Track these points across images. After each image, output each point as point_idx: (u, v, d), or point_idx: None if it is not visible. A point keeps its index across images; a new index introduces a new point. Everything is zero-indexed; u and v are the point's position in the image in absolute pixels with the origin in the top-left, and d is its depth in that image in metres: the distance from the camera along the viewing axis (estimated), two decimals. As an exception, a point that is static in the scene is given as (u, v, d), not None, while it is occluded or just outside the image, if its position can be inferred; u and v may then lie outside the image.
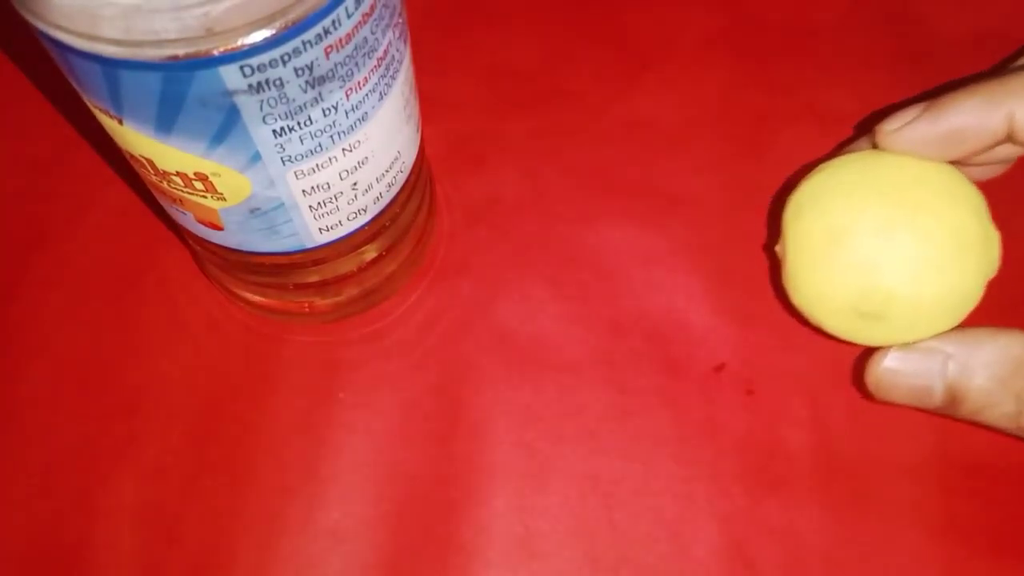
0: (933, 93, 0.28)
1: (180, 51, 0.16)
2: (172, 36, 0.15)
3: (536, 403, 0.27)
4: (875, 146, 0.24)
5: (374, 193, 0.23)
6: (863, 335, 0.23)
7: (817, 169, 0.24)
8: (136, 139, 0.19)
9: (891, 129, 0.22)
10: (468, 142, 0.31)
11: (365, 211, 0.23)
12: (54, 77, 0.32)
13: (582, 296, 0.28)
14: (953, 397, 0.22)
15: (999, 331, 0.22)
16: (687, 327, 0.28)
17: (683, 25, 0.34)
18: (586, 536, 0.25)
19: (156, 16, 0.15)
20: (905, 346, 0.23)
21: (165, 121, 0.18)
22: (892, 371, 0.23)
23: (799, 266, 0.23)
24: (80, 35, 0.16)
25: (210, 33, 0.16)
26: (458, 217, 0.30)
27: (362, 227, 0.24)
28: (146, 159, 0.20)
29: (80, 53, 0.16)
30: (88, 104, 0.19)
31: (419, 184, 0.26)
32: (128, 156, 0.21)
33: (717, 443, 0.26)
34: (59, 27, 0.16)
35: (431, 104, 0.32)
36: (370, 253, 0.25)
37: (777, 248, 0.24)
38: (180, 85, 0.17)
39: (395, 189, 0.24)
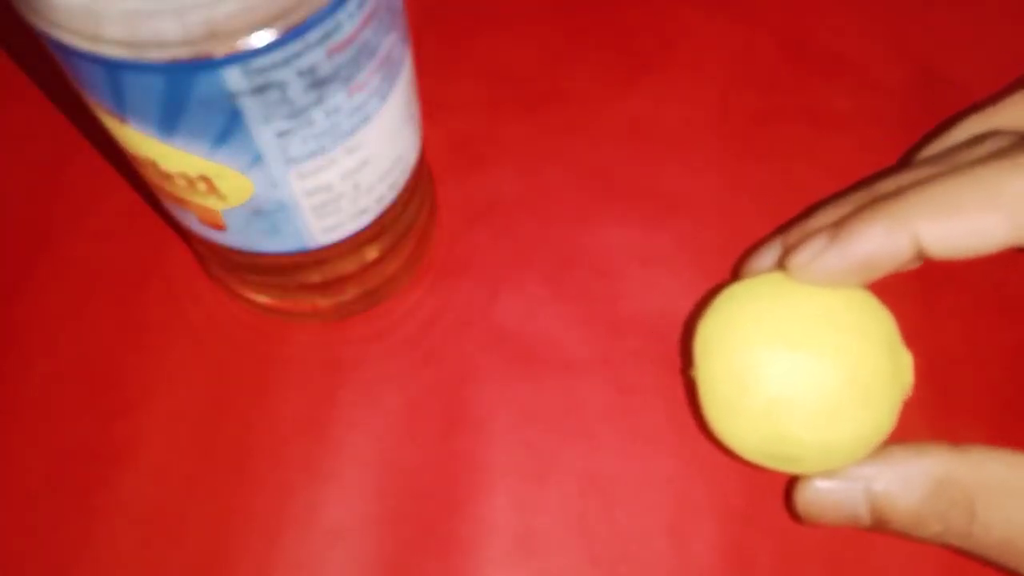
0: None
1: (183, 53, 0.16)
2: (175, 38, 0.16)
3: (536, 402, 0.27)
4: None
5: (376, 194, 0.23)
6: (782, 469, 0.23)
7: (724, 296, 0.24)
8: (139, 140, 0.19)
9: (801, 263, 0.22)
10: (469, 143, 0.31)
11: (367, 211, 0.23)
12: (57, 78, 0.33)
13: (582, 296, 0.28)
14: (879, 521, 0.23)
15: (919, 451, 0.22)
16: (686, 327, 0.28)
17: (682, 27, 0.34)
18: (586, 534, 0.25)
19: (159, 18, 0.15)
20: (828, 473, 0.23)
21: (168, 122, 0.18)
22: (817, 501, 0.23)
23: (710, 406, 0.23)
24: (83, 37, 0.16)
25: (213, 35, 0.16)
26: (458, 217, 0.30)
27: (364, 227, 0.24)
28: (149, 160, 0.20)
29: (83, 55, 0.16)
30: (91, 105, 0.19)
31: (420, 184, 0.26)
32: (131, 157, 0.21)
33: (716, 442, 0.26)
34: (61, 29, 0.16)
35: (432, 105, 0.32)
36: (372, 253, 0.25)
37: (692, 372, 0.24)
38: (183, 87, 0.17)
39: (397, 189, 0.24)
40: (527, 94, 0.33)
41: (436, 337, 0.28)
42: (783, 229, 0.26)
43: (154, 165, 0.20)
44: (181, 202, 0.22)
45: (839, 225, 0.22)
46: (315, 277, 0.25)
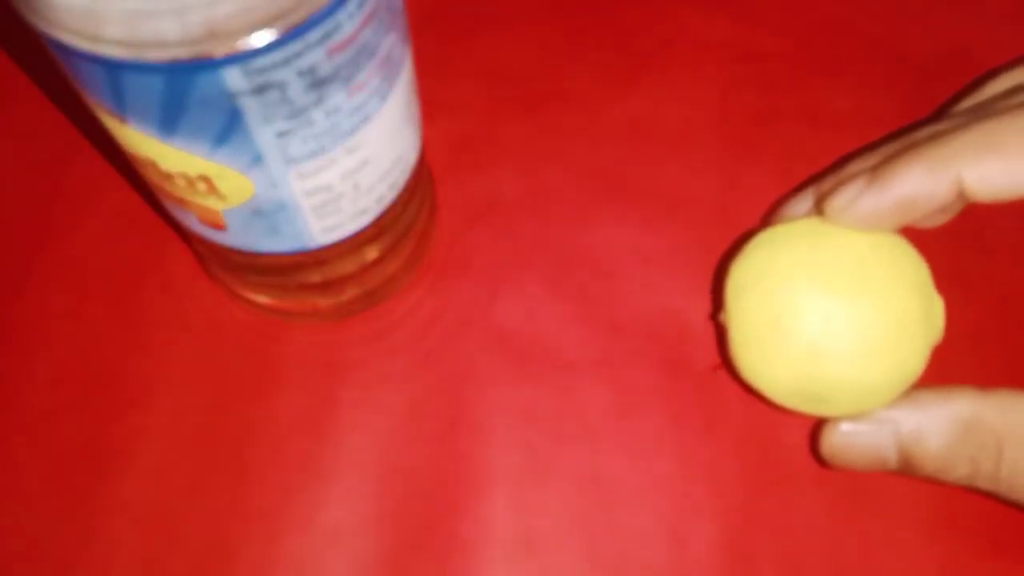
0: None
1: (183, 53, 0.16)
2: (175, 38, 0.16)
3: (536, 402, 0.27)
4: (819, 211, 0.24)
5: (376, 194, 0.23)
6: (810, 411, 0.23)
7: (758, 241, 0.24)
8: (139, 140, 0.19)
9: (839, 206, 0.22)
10: (469, 143, 0.31)
11: (367, 212, 0.23)
12: (57, 78, 0.33)
13: (582, 296, 0.28)
14: (908, 463, 0.23)
15: (948, 394, 0.22)
16: (686, 327, 0.28)
17: (682, 26, 0.34)
18: (586, 534, 0.25)
19: (159, 18, 0.15)
20: (856, 416, 0.23)
21: (168, 122, 0.18)
22: (845, 443, 0.23)
23: (742, 346, 0.23)
24: (83, 37, 0.16)
25: (212, 35, 0.16)
26: (458, 217, 0.30)
27: (364, 227, 0.24)
28: (149, 160, 0.20)
29: (83, 55, 0.16)
30: (91, 105, 0.19)
31: (420, 185, 0.26)
32: (131, 157, 0.21)
33: (716, 442, 0.26)
34: (61, 29, 0.16)
35: (432, 105, 0.32)
36: (372, 253, 0.25)
37: (721, 317, 0.24)
38: (183, 87, 0.17)
39: (397, 190, 0.24)
40: (527, 94, 0.33)
41: (436, 337, 0.28)
42: (814, 180, 0.25)
43: (154, 165, 0.20)
44: (181, 202, 0.22)
45: (878, 168, 0.22)
46: (315, 277, 0.25)
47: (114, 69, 0.17)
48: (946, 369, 0.27)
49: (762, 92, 0.32)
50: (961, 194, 0.21)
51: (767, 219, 0.27)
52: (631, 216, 0.30)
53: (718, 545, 0.25)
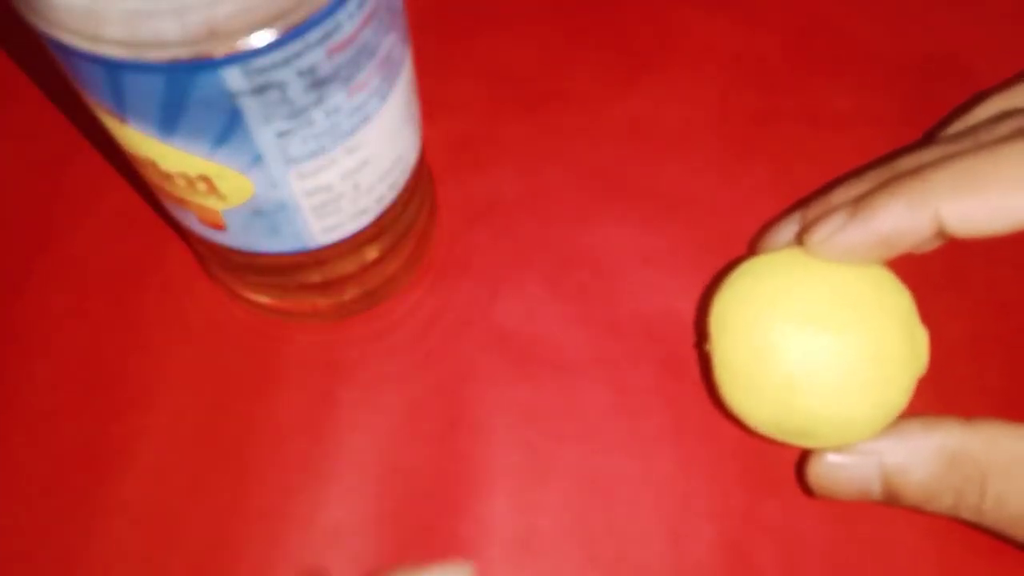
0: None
1: (183, 53, 0.16)
2: (175, 38, 0.16)
3: (536, 402, 0.27)
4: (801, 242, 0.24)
5: (376, 194, 0.23)
6: (794, 443, 0.23)
7: (742, 270, 0.24)
8: (139, 140, 0.19)
9: (820, 239, 0.22)
10: (469, 143, 0.31)
11: (367, 212, 0.23)
12: (57, 78, 0.33)
13: (582, 296, 0.28)
14: (892, 494, 0.23)
15: (933, 425, 0.22)
16: (686, 327, 0.28)
17: (682, 27, 0.34)
18: (586, 534, 0.25)
19: (159, 18, 0.15)
20: (840, 448, 0.23)
21: (168, 122, 0.18)
22: (829, 474, 0.23)
23: (725, 378, 0.23)
24: (83, 37, 0.16)
25: (212, 35, 0.16)
26: (458, 217, 0.30)
27: (364, 227, 0.24)
28: (149, 160, 0.20)
29: (83, 55, 0.16)
30: (91, 105, 0.19)
31: (420, 185, 0.26)
32: (131, 157, 0.21)
33: (716, 442, 0.26)
34: (61, 29, 0.16)
35: (432, 105, 0.32)
36: (372, 253, 0.25)
37: (707, 347, 0.24)
38: (183, 87, 0.17)
39: (397, 189, 0.24)
40: (527, 94, 0.33)
41: (436, 337, 0.28)
42: (801, 204, 0.26)
43: (154, 165, 0.20)
44: (181, 202, 0.22)
45: (859, 201, 0.22)
46: (315, 277, 0.25)
47: (114, 69, 0.17)
48: (945, 374, 0.27)
49: (762, 92, 0.32)
50: (940, 231, 0.21)
51: (754, 245, 0.27)
52: (631, 216, 0.30)
53: (718, 545, 0.25)
